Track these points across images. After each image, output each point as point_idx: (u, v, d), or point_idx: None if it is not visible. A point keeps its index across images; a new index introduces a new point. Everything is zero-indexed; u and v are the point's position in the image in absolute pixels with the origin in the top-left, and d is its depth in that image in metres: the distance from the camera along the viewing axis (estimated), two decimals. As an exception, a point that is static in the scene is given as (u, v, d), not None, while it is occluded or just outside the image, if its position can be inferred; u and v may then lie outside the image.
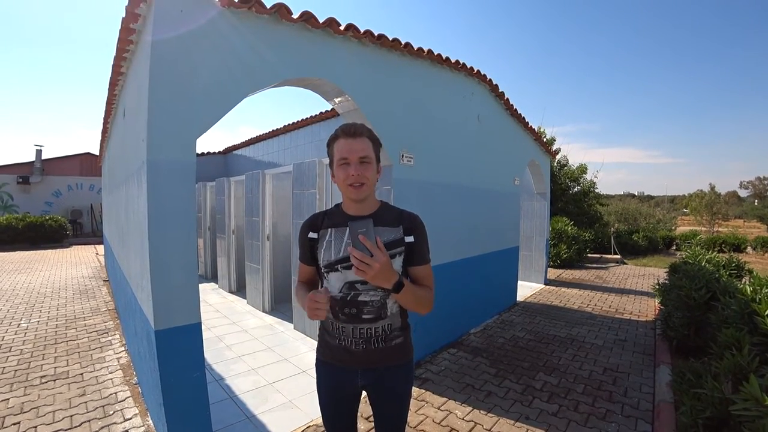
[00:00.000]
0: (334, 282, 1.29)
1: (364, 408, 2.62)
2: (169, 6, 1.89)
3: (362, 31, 2.76)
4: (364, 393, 1.41)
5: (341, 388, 1.35)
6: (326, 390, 1.38)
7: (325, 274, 1.31)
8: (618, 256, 10.68)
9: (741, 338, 2.35)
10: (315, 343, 1.44)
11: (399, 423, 1.40)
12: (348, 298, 1.27)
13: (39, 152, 15.76)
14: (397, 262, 1.27)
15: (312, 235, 1.33)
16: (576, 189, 12.46)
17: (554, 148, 11.40)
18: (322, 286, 1.37)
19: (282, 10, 2.25)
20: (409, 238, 1.29)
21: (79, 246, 13.38)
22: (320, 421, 2.49)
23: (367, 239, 1.11)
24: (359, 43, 2.88)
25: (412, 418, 2.66)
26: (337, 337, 1.31)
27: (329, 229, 1.31)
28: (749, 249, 13.19)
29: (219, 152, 10.83)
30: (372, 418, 2.02)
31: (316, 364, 1.42)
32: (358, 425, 2.49)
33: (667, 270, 5.39)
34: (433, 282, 1.35)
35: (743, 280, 4.93)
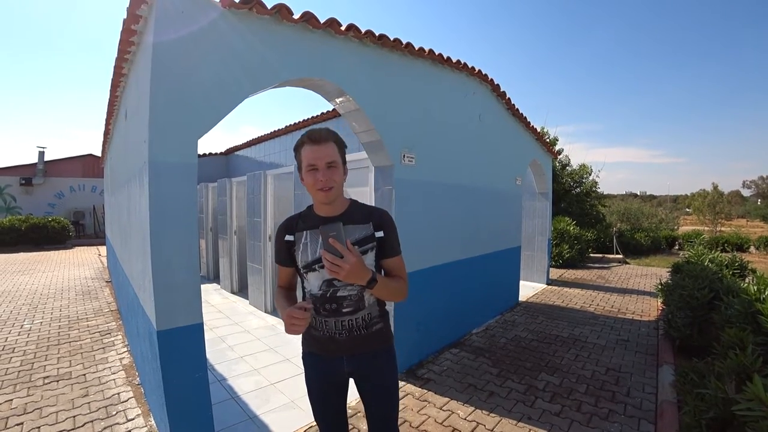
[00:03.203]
0: (314, 281, 1.36)
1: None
2: (170, 7, 1.89)
3: (363, 31, 2.76)
4: (356, 396, 1.44)
5: (329, 377, 1.41)
6: (315, 380, 1.43)
7: (304, 274, 1.38)
8: (620, 256, 10.64)
9: (744, 338, 2.34)
10: (317, 344, 1.46)
11: (389, 411, 1.45)
12: (328, 295, 1.34)
13: (42, 154, 15.84)
14: (370, 257, 1.35)
15: (288, 237, 1.40)
16: (578, 189, 12.44)
17: (557, 148, 11.39)
18: (302, 287, 1.43)
19: (283, 11, 2.26)
20: (379, 234, 1.36)
21: (82, 247, 13.43)
22: (322, 421, 2.48)
23: (338, 241, 1.16)
24: (360, 44, 2.88)
25: (414, 418, 2.66)
26: (321, 330, 1.38)
27: (304, 232, 1.37)
28: (752, 248, 13.11)
29: (221, 153, 10.86)
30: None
31: (303, 357, 1.47)
32: (358, 425, 2.50)
33: (670, 270, 5.37)
34: (406, 272, 1.43)
35: (746, 279, 4.91)
